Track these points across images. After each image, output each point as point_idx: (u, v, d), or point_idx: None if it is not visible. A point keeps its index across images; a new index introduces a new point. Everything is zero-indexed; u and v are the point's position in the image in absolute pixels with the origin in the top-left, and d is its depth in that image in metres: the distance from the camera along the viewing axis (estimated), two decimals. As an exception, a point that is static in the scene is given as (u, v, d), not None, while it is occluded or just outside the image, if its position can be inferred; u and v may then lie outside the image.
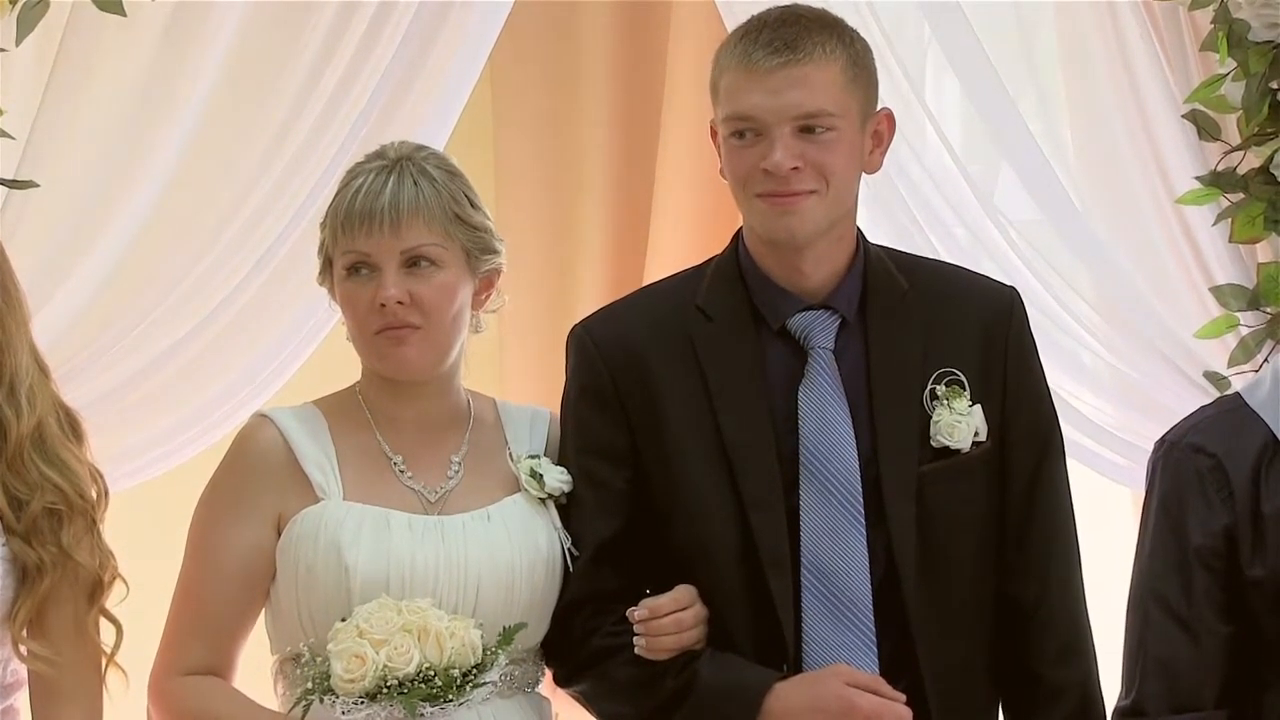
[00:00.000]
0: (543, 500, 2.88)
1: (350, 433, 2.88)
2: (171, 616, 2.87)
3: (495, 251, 2.90)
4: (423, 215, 2.82)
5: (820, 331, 2.82)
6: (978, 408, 2.81)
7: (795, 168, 2.74)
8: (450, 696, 2.68)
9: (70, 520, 2.79)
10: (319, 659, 2.71)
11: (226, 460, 2.89)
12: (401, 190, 2.81)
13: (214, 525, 2.85)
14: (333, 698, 2.68)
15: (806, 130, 2.75)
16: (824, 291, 2.83)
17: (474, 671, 2.71)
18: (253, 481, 2.84)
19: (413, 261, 2.82)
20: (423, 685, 2.66)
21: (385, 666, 2.65)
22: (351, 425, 2.88)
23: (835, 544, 2.76)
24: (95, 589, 2.82)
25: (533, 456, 2.90)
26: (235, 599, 2.84)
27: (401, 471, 2.87)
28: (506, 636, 2.76)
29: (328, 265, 2.88)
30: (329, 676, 2.68)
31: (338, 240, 2.84)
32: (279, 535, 2.83)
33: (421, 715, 2.67)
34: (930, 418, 2.80)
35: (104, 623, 2.86)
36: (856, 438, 2.79)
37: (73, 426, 2.89)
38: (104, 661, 2.84)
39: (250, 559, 2.82)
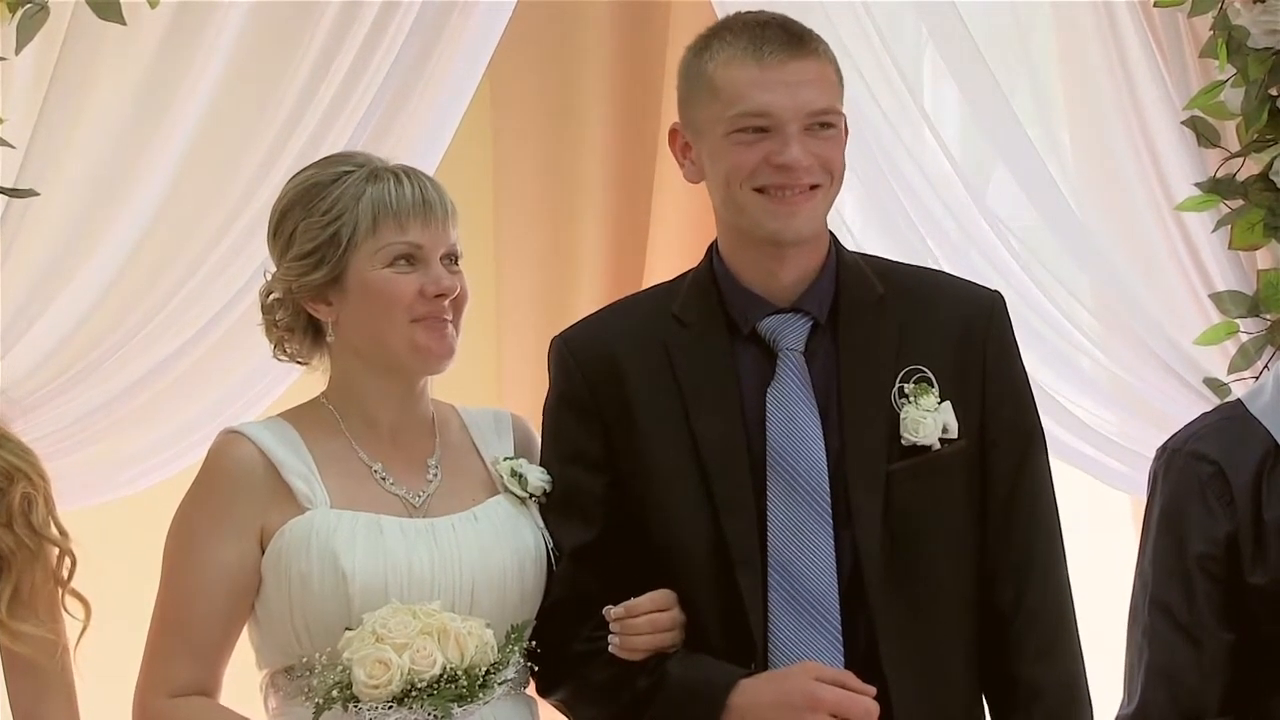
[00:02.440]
0: (523, 500, 2.89)
1: (324, 442, 2.87)
2: (154, 637, 2.84)
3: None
4: (455, 218, 2.90)
5: (789, 334, 2.83)
6: (946, 404, 2.81)
7: (807, 164, 2.76)
8: (478, 696, 2.70)
9: (36, 502, 2.83)
10: (339, 668, 2.70)
11: (202, 478, 2.86)
12: (440, 192, 2.88)
13: (195, 543, 2.82)
14: (356, 705, 2.68)
15: (813, 127, 2.78)
16: (794, 294, 2.84)
17: (494, 669, 2.73)
18: (233, 497, 2.82)
19: (450, 258, 2.88)
20: (450, 686, 2.67)
21: (411, 670, 2.65)
22: (324, 434, 2.88)
23: (802, 544, 2.76)
24: (61, 565, 2.85)
25: (510, 458, 2.92)
26: (221, 616, 2.82)
27: (383, 479, 2.87)
28: (518, 634, 2.78)
29: (340, 258, 2.84)
30: (350, 685, 2.67)
31: (380, 231, 2.83)
32: (262, 549, 2.81)
33: (451, 716, 2.68)
34: (899, 416, 2.81)
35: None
36: (826, 438, 2.79)
37: None
38: (74, 643, 2.86)
39: (234, 575, 2.80)
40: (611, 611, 2.77)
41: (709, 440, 2.80)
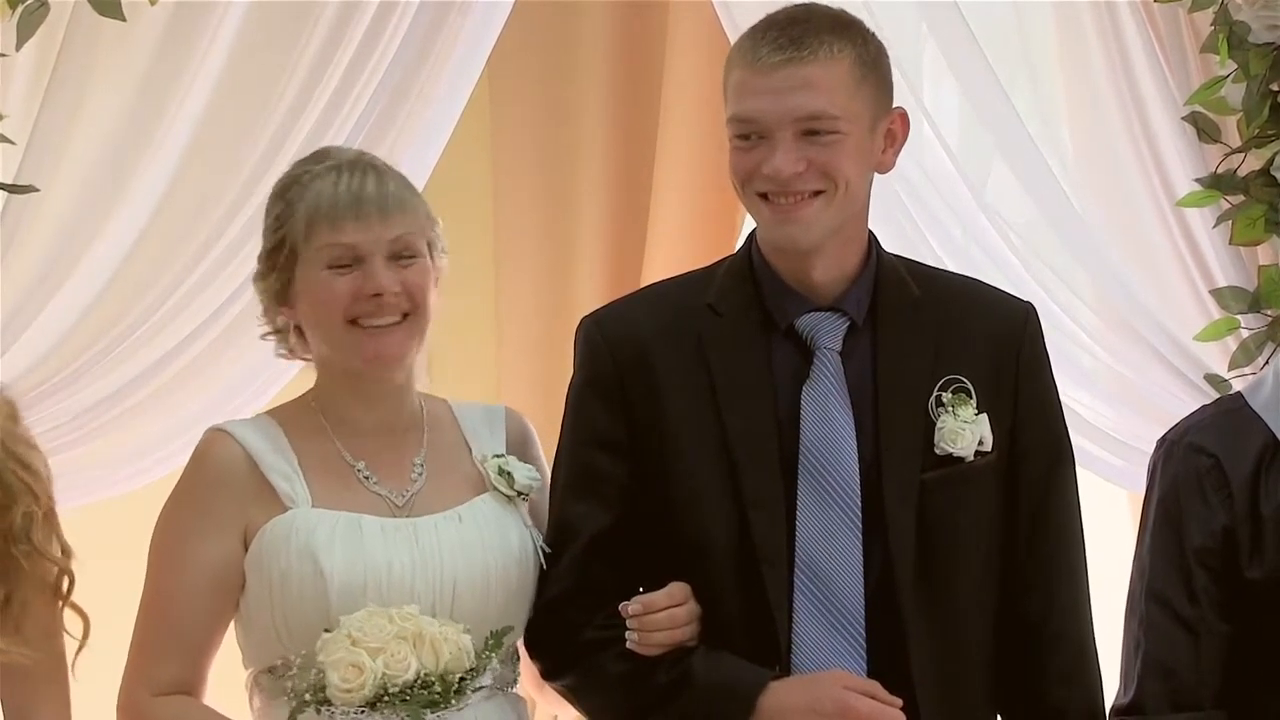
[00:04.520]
0: (510, 499, 2.87)
1: (308, 441, 2.85)
2: (138, 635, 2.83)
3: (445, 251, 2.92)
4: (405, 206, 2.84)
5: (827, 333, 2.80)
6: (983, 416, 2.79)
7: (798, 171, 2.72)
8: (451, 702, 2.69)
9: (36, 519, 2.79)
10: (314, 670, 2.69)
11: (187, 476, 2.85)
12: (383, 184, 2.83)
13: (179, 541, 2.81)
14: (329, 709, 2.67)
15: (810, 132, 2.73)
16: (834, 293, 2.81)
17: (469, 675, 2.72)
18: (216, 495, 2.80)
19: (396, 253, 2.82)
20: (423, 692, 2.66)
21: (384, 675, 2.65)
22: (309, 433, 2.86)
23: (830, 546, 2.75)
24: (60, 582, 2.81)
25: (498, 455, 2.89)
26: (205, 615, 2.80)
27: (366, 478, 2.85)
28: (496, 640, 2.77)
29: (287, 264, 2.83)
30: (324, 688, 2.67)
31: (314, 234, 2.81)
32: (246, 548, 2.80)
33: None
34: (935, 424, 2.79)
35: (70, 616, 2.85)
36: (859, 441, 2.77)
37: (11, 413, 2.87)
38: (73, 654, 2.83)
39: (219, 573, 2.79)
40: (629, 608, 2.74)
41: (739, 434, 2.77)
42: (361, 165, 2.85)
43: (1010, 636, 2.82)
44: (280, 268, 2.84)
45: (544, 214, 4.23)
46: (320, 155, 2.92)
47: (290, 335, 2.91)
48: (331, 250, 2.81)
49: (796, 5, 2.81)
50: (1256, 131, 3.60)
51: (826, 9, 2.81)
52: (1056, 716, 2.80)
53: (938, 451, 2.78)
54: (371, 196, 2.81)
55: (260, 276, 2.88)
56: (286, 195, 2.86)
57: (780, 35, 2.73)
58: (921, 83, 3.80)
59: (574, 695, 2.88)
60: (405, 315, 2.82)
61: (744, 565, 2.76)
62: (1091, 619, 2.85)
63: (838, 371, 2.79)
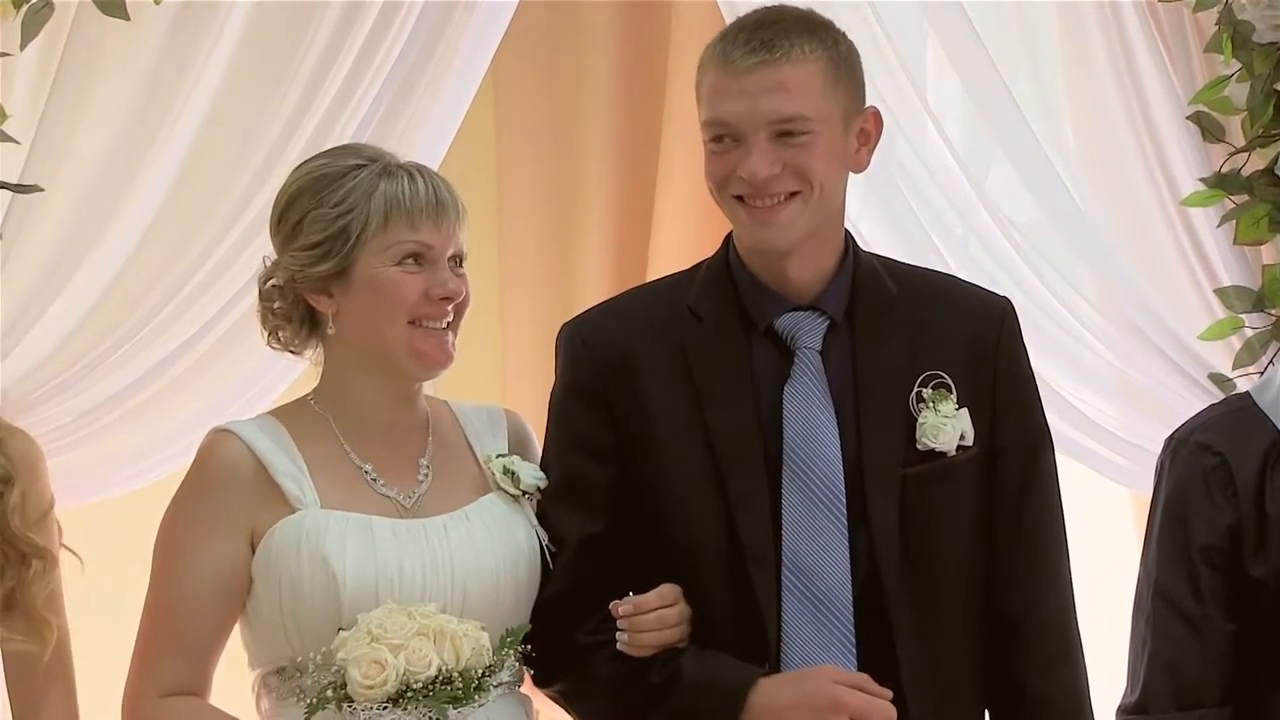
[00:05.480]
0: (516, 498, 2.88)
1: (314, 442, 2.85)
2: (143, 637, 2.82)
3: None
4: (463, 218, 2.89)
5: (806, 332, 2.82)
6: (964, 411, 2.81)
7: (774, 173, 2.74)
8: (473, 698, 2.70)
9: (19, 507, 2.80)
10: (333, 668, 2.69)
11: (191, 477, 2.85)
12: (451, 192, 2.87)
13: (185, 543, 2.80)
14: (350, 706, 2.67)
15: (784, 134, 2.74)
16: (811, 293, 2.83)
17: (489, 671, 2.73)
18: (222, 497, 2.80)
19: (457, 260, 2.86)
20: (445, 687, 2.67)
21: (406, 671, 2.65)
22: (314, 434, 2.86)
23: (816, 544, 2.76)
24: (44, 568, 2.81)
25: (502, 455, 2.91)
26: (211, 616, 2.80)
27: (374, 480, 2.85)
28: (514, 637, 2.78)
29: (348, 253, 2.83)
30: (344, 685, 2.66)
31: (389, 228, 2.82)
32: (253, 549, 2.80)
33: (446, 718, 2.67)
34: (916, 420, 2.80)
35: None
36: (842, 438, 2.79)
37: None
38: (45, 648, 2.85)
39: (225, 575, 2.79)
40: (619, 609, 2.75)
41: (723, 436, 2.79)
42: (422, 170, 2.87)
43: (994, 627, 2.83)
44: (338, 255, 2.82)
45: (548, 214, 4.23)
46: (354, 150, 2.92)
47: (293, 327, 2.89)
48: (405, 247, 2.82)
49: (767, 7, 2.82)
50: (1261, 131, 3.60)
51: (796, 10, 2.82)
52: (1040, 705, 2.82)
53: (919, 447, 2.79)
54: (447, 202, 2.85)
55: (309, 262, 2.83)
56: (341, 184, 2.84)
57: (751, 38, 2.75)
58: (924, 80, 3.80)
59: (566, 700, 2.89)
60: (451, 323, 2.86)
61: (732, 565, 2.77)
62: (1074, 606, 2.87)
63: (818, 370, 2.81)
